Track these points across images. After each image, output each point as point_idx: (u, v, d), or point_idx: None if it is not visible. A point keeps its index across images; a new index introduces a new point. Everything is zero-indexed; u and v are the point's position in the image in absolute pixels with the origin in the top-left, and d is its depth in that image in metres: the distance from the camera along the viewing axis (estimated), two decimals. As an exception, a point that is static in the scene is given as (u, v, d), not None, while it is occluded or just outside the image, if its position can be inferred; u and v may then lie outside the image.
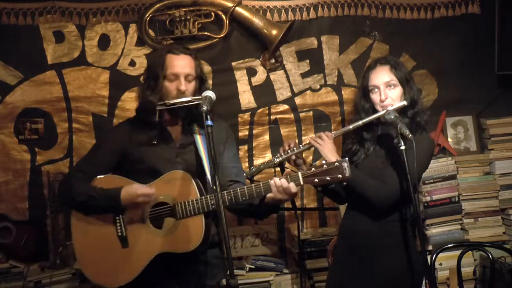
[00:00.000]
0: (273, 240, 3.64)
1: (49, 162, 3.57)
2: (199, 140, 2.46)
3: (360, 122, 2.58)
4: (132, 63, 3.60)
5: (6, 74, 3.52)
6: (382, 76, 2.59)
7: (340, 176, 2.25)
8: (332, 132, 2.63)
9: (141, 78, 2.84)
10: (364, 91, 2.67)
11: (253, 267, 3.44)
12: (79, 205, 2.41)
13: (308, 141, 2.62)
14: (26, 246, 3.45)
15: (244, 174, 2.71)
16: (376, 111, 2.60)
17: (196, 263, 2.34)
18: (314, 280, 3.44)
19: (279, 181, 2.26)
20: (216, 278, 2.49)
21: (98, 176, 2.45)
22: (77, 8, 3.55)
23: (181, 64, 2.42)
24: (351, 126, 2.60)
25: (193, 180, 2.34)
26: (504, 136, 3.76)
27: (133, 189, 2.34)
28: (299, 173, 2.29)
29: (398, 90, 2.59)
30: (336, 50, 3.71)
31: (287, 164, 3.61)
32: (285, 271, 3.51)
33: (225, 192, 2.31)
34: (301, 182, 2.28)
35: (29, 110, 3.55)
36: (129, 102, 3.59)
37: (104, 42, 3.58)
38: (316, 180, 2.27)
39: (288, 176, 2.28)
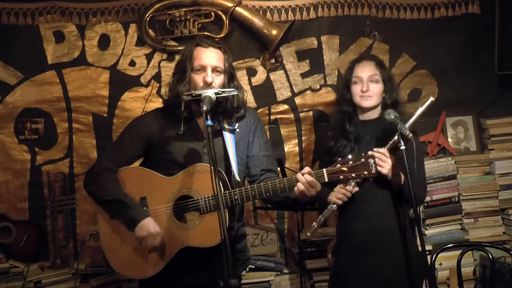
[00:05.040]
0: (273, 240, 3.64)
1: (49, 162, 3.56)
2: (227, 133, 2.47)
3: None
4: (132, 63, 3.60)
5: (6, 74, 3.52)
6: (367, 69, 2.71)
7: (366, 173, 2.25)
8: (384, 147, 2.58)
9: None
10: (347, 82, 2.78)
11: (253, 267, 3.43)
12: (103, 202, 2.43)
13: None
14: (26, 246, 3.45)
15: (308, 234, 2.82)
16: (353, 102, 2.72)
17: (219, 257, 2.33)
18: (314, 280, 3.44)
19: (303, 178, 2.28)
20: (239, 271, 2.59)
21: (124, 168, 2.47)
22: (77, 8, 3.54)
23: (208, 56, 2.42)
24: (395, 137, 2.56)
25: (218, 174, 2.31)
26: (504, 136, 3.76)
27: (150, 228, 2.35)
28: (324, 170, 2.29)
29: (379, 86, 2.71)
30: (336, 50, 3.71)
31: (287, 164, 3.64)
32: (285, 271, 3.51)
33: (249, 187, 2.34)
34: (326, 179, 2.29)
35: (29, 110, 3.55)
36: (129, 102, 3.60)
37: (104, 42, 3.58)
38: (341, 176, 2.26)
39: (313, 173, 2.29)
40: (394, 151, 2.59)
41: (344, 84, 2.82)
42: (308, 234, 2.82)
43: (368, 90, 2.67)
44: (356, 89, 2.71)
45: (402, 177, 2.58)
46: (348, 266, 2.68)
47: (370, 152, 2.41)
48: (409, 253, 2.61)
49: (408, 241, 2.63)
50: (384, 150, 2.53)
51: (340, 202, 2.61)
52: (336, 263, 2.82)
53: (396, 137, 2.53)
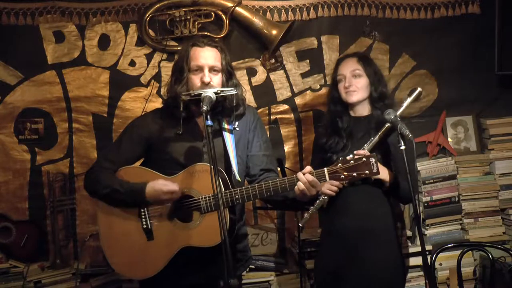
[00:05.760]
0: (273, 240, 3.64)
1: (49, 162, 3.56)
2: (227, 133, 2.47)
3: (386, 127, 2.62)
4: (132, 63, 3.60)
5: (6, 74, 3.52)
6: (348, 66, 2.77)
7: (367, 172, 2.25)
8: (364, 147, 2.64)
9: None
10: (334, 82, 2.84)
11: (253, 267, 3.43)
12: (104, 197, 2.44)
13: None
14: (26, 246, 3.44)
15: (300, 225, 2.88)
16: (342, 100, 2.77)
17: (219, 257, 2.29)
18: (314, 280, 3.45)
19: (304, 178, 2.28)
20: (238, 272, 2.60)
21: (124, 167, 2.47)
22: (77, 8, 3.54)
23: (205, 56, 2.43)
24: (380, 133, 2.62)
25: (218, 173, 2.29)
26: (504, 136, 3.75)
27: (159, 185, 2.35)
28: (325, 169, 2.29)
29: (363, 80, 2.75)
30: (336, 50, 3.71)
31: (287, 164, 3.64)
32: (285, 271, 3.51)
33: (249, 187, 2.34)
34: (327, 179, 2.29)
35: (29, 110, 3.55)
36: (129, 102, 3.60)
37: (104, 42, 3.58)
38: (343, 176, 2.27)
39: (314, 173, 2.29)
40: (383, 150, 2.63)
41: (332, 84, 2.87)
42: (300, 224, 2.89)
43: (351, 85, 2.72)
44: (341, 87, 2.77)
45: (390, 175, 2.61)
46: (332, 263, 2.70)
47: (349, 157, 2.42)
48: (395, 253, 2.64)
49: (394, 241, 2.66)
50: (364, 151, 2.55)
51: (333, 193, 2.62)
52: (320, 260, 2.84)
53: (376, 138, 2.59)
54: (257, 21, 3.55)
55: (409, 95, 2.74)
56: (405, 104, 2.68)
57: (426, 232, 3.59)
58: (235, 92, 2.40)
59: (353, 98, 2.73)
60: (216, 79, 2.43)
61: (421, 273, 3.46)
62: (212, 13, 3.53)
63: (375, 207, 2.67)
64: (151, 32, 3.56)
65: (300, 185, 2.29)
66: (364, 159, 2.24)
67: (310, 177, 2.28)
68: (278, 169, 3.36)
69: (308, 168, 2.32)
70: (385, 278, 2.64)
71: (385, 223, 2.69)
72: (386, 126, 2.61)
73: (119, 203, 2.43)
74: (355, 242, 2.66)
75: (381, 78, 2.81)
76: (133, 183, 2.40)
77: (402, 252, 2.73)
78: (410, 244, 3.53)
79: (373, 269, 2.63)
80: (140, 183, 2.39)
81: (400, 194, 2.66)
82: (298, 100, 3.71)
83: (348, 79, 2.73)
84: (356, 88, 2.72)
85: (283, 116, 3.71)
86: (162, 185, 2.35)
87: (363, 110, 2.78)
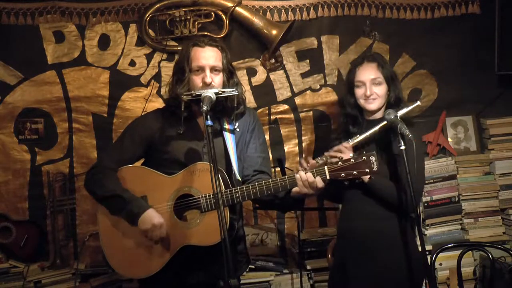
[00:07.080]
0: (273, 240, 3.64)
1: (49, 162, 3.57)
2: (228, 133, 2.47)
3: (377, 128, 2.59)
4: (132, 63, 3.60)
5: (6, 74, 3.52)
6: (368, 73, 2.68)
7: (367, 170, 2.24)
8: (349, 141, 2.62)
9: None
10: (350, 85, 2.76)
11: (253, 267, 3.43)
12: (102, 198, 2.43)
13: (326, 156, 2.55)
14: (26, 246, 3.45)
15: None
16: (358, 105, 2.71)
17: (219, 257, 2.25)
18: (314, 280, 3.44)
19: (304, 175, 2.27)
20: (239, 272, 2.59)
21: (124, 167, 2.47)
22: (77, 8, 3.55)
23: (206, 56, 2.42)
24: (368, 134, 2.60)
25: (218, 173, 2.27)
26: (504, 136, 3.75)
27: (158, 216, 2.35)
28: (325, 167, 2.28)
29: (383, 88, 2.69)
30: (336, 50, 3.71)
31: (287, 164, 3.64)
32: (285, 271, 3.50)
33: (250, 185, 2.33)
34: (327, 176, 2.28)
35: (29, 110, 3.55)
36: (129, 102, 3.60)
37: (104, 42, 3.58)
38: (343, 174, 2.26)
39: (314, 170, 2.28)
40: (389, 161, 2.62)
41: (347, 88, 2.78)
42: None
43: (372, 94, 2.65)
44: (359, 93, 2.69)
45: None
46: (344, 265, 2.68)
47: (349, 156, 2.39)
48: (407, 254, 2.61)
49: (408, 242, 2.62)
50: (348, 144, 2.56)
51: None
52: (333, 262, 2.83)
53: (366, 135, 2.57)
54: (257, 21, 3.55)
55: (410, 100, 2.71)
56: (400, 113, 2.62)
57: (426, 232, 3.59)
58: (236, 93, 2.40)
59: (373, 106, 2.67)
60: (218, 79, 2.43)
61: (421, 273, 3.46)
62: (212, 13, 3.53)
63: (382, 208, 2.64)
64: (151, 32, 3.56)
65: (300, 183, 2.28)
66: (364, 157, 2.24)
67: (309, 176, 2.26)
68: (278, 169, 3.38)
69: (312, 162, 2.31)
70: (398, 278, 2.61)
71: (394, 224, 2.65)
72: (381, 124, 2.59)
73: (113, 208, 2.42)
74: (364, 243, 2.63)
75: (397, 82, 2.75)
76: (137, 198, 2.40)
77: (416, 252, 2.66)
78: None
79: (383, 269, 2.59)
80: (144, 203, 2.39)
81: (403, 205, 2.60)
82: (298, 100, 3.71)
83: (369, 88, 2.64)
84: (377, 96, 2.65)
85: (283, 116, 3.71)
86: (159, 217, 2.36)
87: (377, 114, 2.72)
